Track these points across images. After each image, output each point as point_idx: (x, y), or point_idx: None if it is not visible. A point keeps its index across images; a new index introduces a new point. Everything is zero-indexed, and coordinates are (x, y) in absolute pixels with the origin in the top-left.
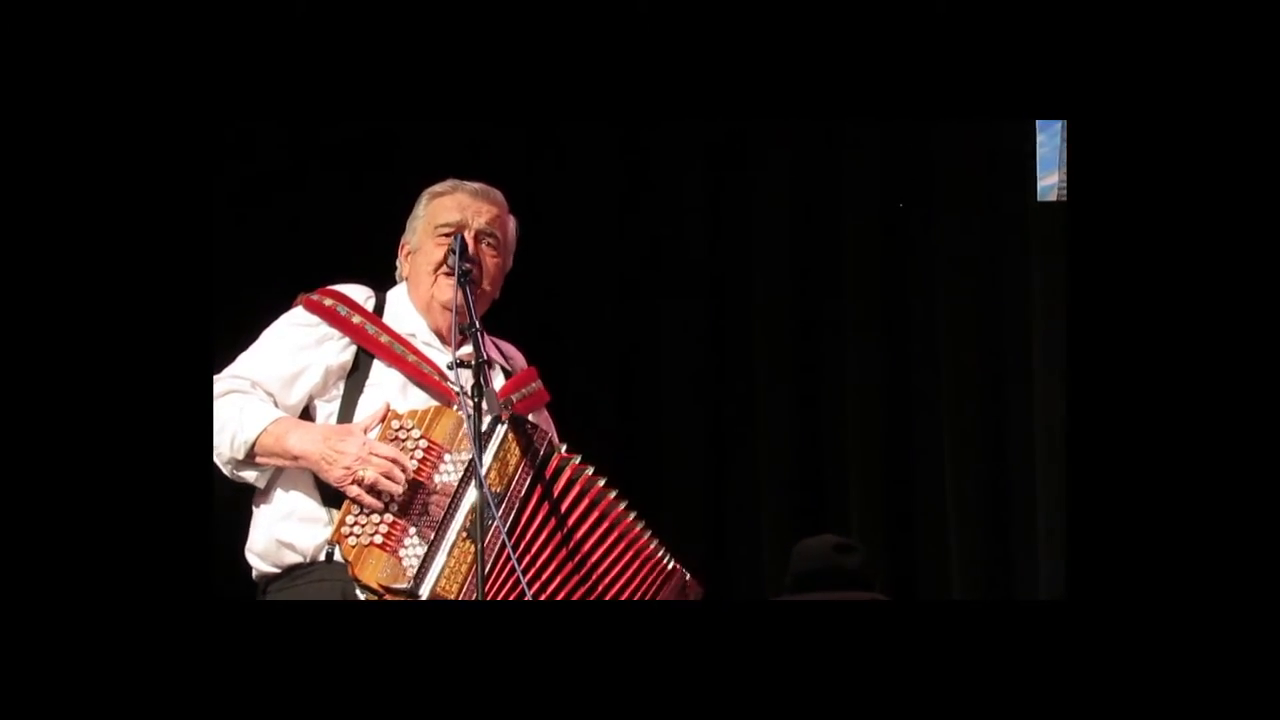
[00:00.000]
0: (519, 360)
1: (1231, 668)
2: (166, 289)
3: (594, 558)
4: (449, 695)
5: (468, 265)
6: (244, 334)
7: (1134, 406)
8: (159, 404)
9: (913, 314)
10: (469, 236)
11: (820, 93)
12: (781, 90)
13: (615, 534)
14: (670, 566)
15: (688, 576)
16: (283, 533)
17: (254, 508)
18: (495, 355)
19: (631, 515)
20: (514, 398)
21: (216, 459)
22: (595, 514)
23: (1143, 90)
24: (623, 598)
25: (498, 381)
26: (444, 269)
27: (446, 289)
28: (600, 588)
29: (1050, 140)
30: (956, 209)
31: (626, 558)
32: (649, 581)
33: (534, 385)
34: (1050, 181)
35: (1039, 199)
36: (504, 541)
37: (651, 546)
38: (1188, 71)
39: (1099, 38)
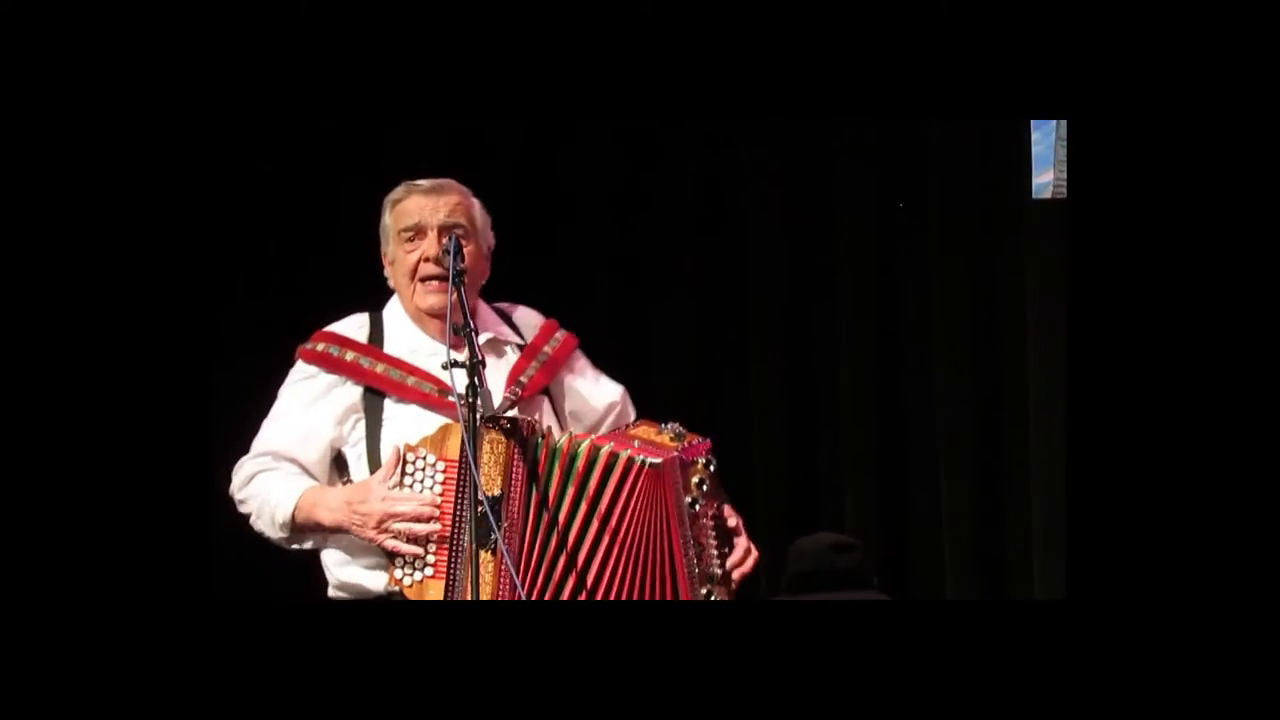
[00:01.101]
0: (531, 323)
1: (1231, 667)
2: (167, 292)
3: (602, 506)
4: (448, 692)
5: (461, 267)
6: (244, 334)
7: (1133, 406)
8: (159, 406)
9: (907, 313)
10: (433, 235)
11: (819, 93)
12: (780, 91)
13: (610, 472)
14: (655, 462)
15: (676, 454)
16: (349, 576)
17: (319, 552)
18: (503, 334)
19: (614, 447)
20: (523, 379)
21: (269, 540)
22: (591, 472)
23: (1142, 89)
24: (654, 522)
25: (508, 363)
26: (419, 276)
27: (426, 296)
28: (622, 535)
29: (1045, 138)
30: (951, 208)
31: (626, 490)
32: (654, 488)
33: (551, 344)
34: (1045, 179)
35: (1034, 195)
36: (504, 547)
37: (631, 460)
38: (1187, 70)
39: (1098, 37)
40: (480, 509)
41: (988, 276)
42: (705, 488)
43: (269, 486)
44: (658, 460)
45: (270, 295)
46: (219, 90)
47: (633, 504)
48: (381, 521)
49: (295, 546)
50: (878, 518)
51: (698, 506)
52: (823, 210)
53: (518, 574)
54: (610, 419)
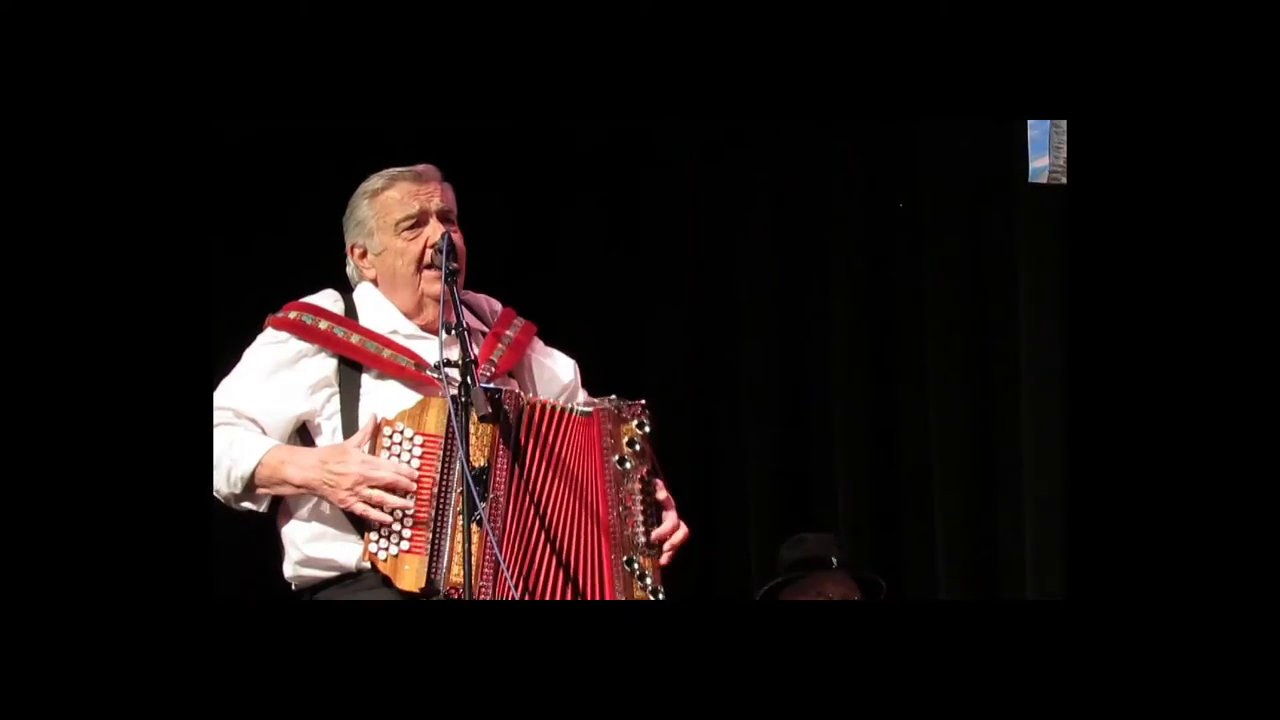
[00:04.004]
0: (488, 304)
1: (1231, 668)
2: (166, 291)
3: (557, 470)
4: (439, 691)
5: (454, 265)
6: (244, 336)
7: (1134, 405)
8: (158, 406)
9: (899, 312)
10: (434, 221)
11: (818, 94)
12: (779, 91)
13: (552, 431)
14: (584, 412)
15: (608, 405)
16: (318, 551)
17: (280, 528)
18: (474, 322)
19: (552, 404)
20: (494, 358)
21: (215, 494)
22: (544, 434)
23: (1143, 89)
24: (584, 477)
25: (474, 347)
26: (427, 265)
27: (434, 283)
28: (571, 487)
29: (1040, 123)
30: (943, 205)
31: (563, 440)
32: (583, 442)
33: (513, 329)
34: (1041, 164)
35: (1030, 180)
36: (490, 532)
37: (563, 411)
38: (1188, 70)
39: (1099, 37)
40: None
41: (981, 272)
42: (637, 448)
43: (230, 440)
44: (587, 409)
45: (271, 294)
46: (211, 81)
47: (563, 456)
48: (357, 484)
49: (244, 505)
50: (869, 518)
51: (627, 465)
52: (815, 205)
53: (500, 548)
54: (565, 395)
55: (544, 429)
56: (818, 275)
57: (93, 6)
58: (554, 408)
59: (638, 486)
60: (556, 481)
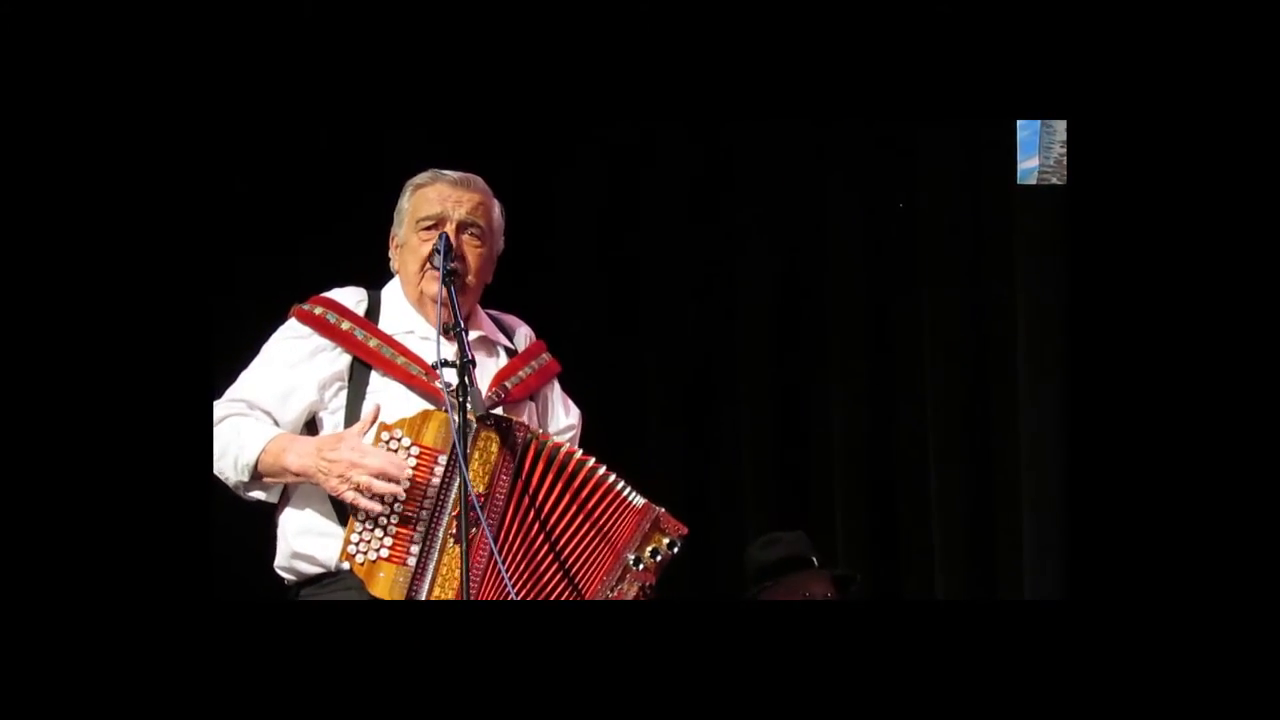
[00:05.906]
0: (523, 333)
1: (1231, 667)
2: (166, 292)
3: (572, 525)
4: (432, 694)
5: (452, 265)
6: (244, 336)
7: (1134, 405)
8: (159, 405)
9: (897, 315)
10: (451, 229)
11: (819, 95)
12: (780, 91)
13: (586, 490)
14: (636, 502)
15: (661, 511)
16: (301, 547)
17: (276, 520)
18: (495, 336)
19: (606, 471)
20: (508, 384)
21: (225, 483)
22: (571, 483)
23: (1143, 88)
24: (595, 551)
25: (498, 364)
26: (429, 266)
27: (433, 285)
28: (578, 550)
29: (1029, 124)
30: (940, 208)
31: (598, 507)
32: (617, 522)
33: (539, 360)
34: (1030, 165)
35: (1019, 181)
36: (490, 542)
37: (614, 485)
38: (1188, 68)
39: (1099, 37)
40: (459, 509)
41: (981, 272)
42: (657, 558)
43: (239, 429)
44: (640, 500)
45: (272, 294)
46: (220, 78)
47: (595, 524)
48: (347, 470)
49: (253, 494)
50: (865, 520)
51: (639, 565)
52: (814, 204)
53: (486, 572)
54: (566, 439)
55: (558, 475)
56: (817, 276)
57: (92, 6)
58: (610, 485)
59: (634, 590)
60: (557, 533)
